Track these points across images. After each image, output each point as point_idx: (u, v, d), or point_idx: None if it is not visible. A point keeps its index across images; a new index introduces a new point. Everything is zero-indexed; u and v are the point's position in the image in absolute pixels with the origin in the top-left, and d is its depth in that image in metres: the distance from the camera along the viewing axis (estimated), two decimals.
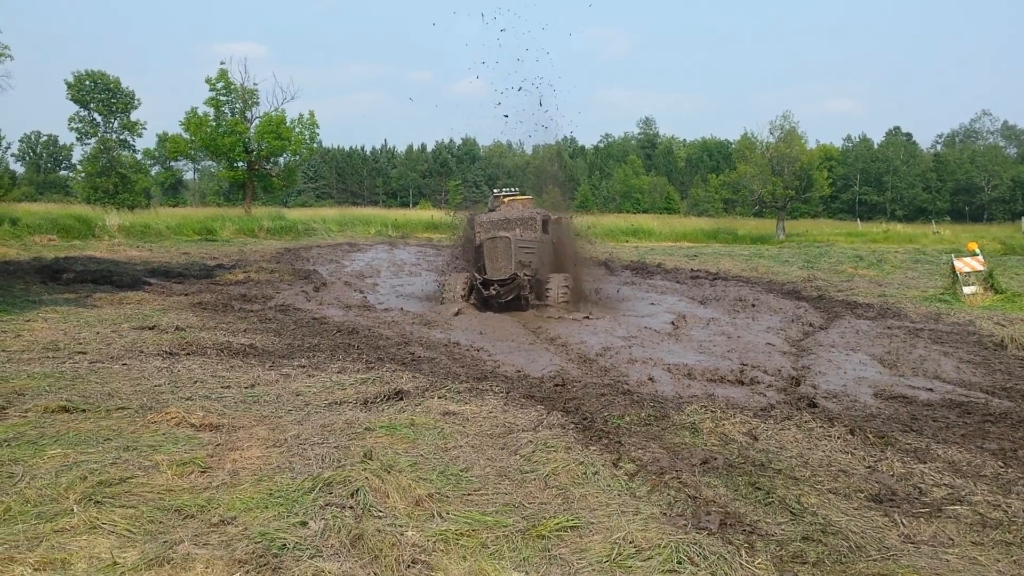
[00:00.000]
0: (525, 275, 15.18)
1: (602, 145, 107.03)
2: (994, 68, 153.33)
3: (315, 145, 47.37)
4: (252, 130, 41.45)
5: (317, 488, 4.82)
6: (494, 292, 14.88)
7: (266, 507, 4.60)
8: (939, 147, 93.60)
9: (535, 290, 15.56)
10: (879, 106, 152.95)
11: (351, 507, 4.59)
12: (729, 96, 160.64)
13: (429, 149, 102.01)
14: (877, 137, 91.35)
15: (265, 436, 5.99)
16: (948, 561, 4.26)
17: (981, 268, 17.02)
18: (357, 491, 4.75)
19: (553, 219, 17.16)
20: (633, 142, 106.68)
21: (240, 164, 42.22)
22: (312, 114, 42.91)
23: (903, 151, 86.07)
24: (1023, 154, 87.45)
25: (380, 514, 4.54)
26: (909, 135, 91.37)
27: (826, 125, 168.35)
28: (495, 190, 23.49)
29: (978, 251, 17.76)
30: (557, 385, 8.35)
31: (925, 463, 5.84)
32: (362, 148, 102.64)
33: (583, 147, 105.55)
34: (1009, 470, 5.79)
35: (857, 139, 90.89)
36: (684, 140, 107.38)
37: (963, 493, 5.22)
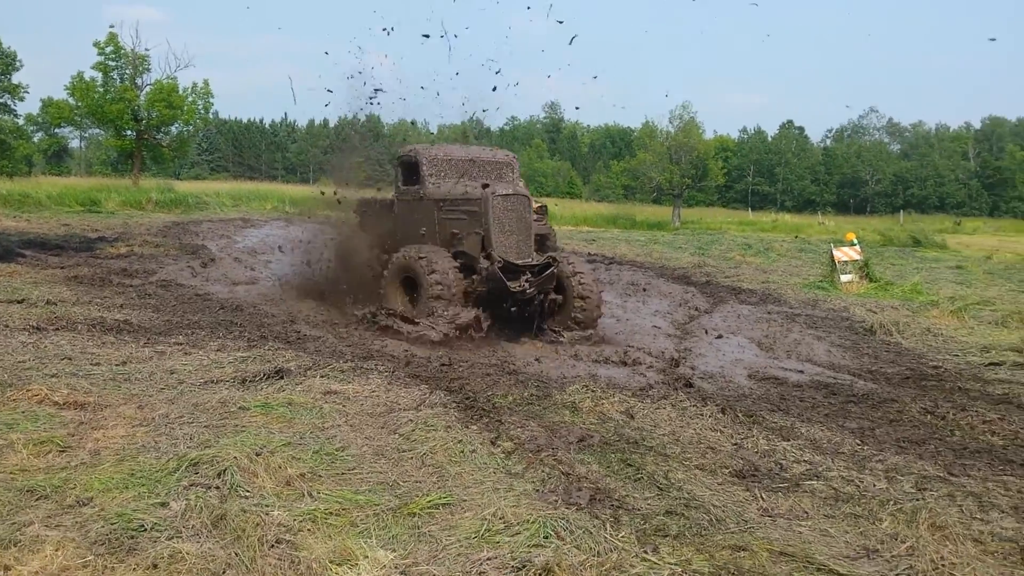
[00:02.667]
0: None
1: (508, 128, 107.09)
2: (882, 66, 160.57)
3: (210, 115, 45.62)
4: (142, 98, 39.53)
5: (182, 468, 4.67)
6: (525, 286, 9.73)
7: (126, 488, 4.43)
8: (829, 141, 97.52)
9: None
10: (777, 101, 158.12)
11: (217, 487, 4.47)
12: (635, 85, 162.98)
13: (332, 124, 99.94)
14: (772, 130, 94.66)
15: (132, 415, 5.77)
16: (801, 533, 4.48)
17: (858, 257, 17.90)
18: (224, 471, 4.63)
19: None
20: (539, 126, 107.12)
21: (129, 133, 40.16)
22: (207, 83, 41.08)
23: (795, 144, 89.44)
24: (905, 150, 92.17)
25: (247, 494, 4.44)
26: (801, 129, 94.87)
27: (726, 117, 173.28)
28: None
29: (856, 241, 18.67)
30: (443, 365, 8.32)
31: (788, 440, 6.12)
32: (261, 121, 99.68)
33: (488, 129, 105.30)
34: (866, 447, 6.13)
35: (752, 131, 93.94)
36: (588, 126, 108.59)
37: (820, 469, 5.50)
